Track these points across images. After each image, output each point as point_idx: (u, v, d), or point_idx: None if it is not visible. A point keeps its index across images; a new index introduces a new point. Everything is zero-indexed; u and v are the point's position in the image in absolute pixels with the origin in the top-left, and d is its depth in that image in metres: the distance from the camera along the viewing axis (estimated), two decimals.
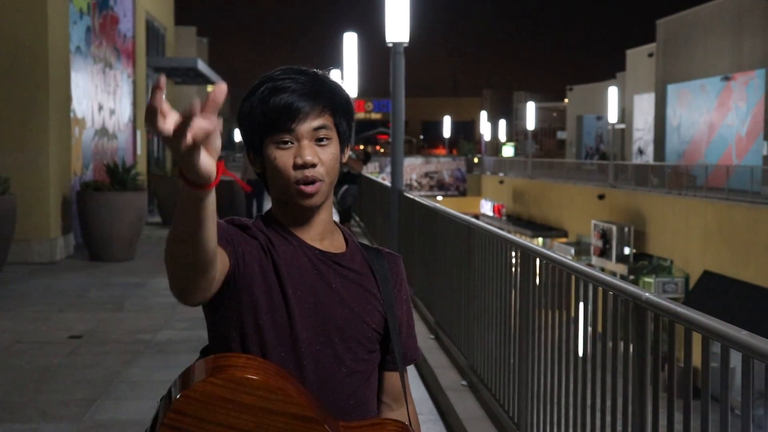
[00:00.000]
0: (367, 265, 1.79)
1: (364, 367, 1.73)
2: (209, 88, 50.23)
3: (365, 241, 1.87)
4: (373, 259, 1.81)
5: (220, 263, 1.59)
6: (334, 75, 1.82)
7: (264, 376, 1.51)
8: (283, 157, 1.68)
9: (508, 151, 71.35)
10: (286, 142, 1.68)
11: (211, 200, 1.45)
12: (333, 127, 1.72)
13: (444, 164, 46.63)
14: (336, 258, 1.74)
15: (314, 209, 1.73)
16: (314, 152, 1.68)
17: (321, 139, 1.69)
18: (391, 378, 1.86)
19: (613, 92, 35.37)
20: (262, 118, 1.69)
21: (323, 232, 1.76)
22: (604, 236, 27.60)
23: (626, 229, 26.93)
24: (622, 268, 26.27)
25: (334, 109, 1.72)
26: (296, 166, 1.67)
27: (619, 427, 3.03)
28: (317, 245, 1.74)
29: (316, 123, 1.68)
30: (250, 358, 1.57)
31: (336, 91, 1.74)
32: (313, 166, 1.68)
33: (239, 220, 1.75)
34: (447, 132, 69.54)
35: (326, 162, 1.69)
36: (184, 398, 1.48)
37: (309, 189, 1.68)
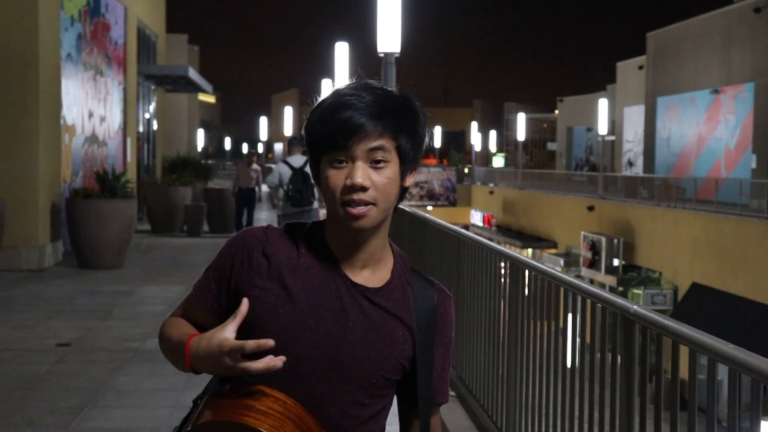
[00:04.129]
0: (405, 305, 1.68)
1: (360, 411, 1.64)
2: (200, 96, 50.20)
3: None
4: (419, 295, 1.70)
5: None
6: (409, 93, 1.69)
7: (281, 428, 1.51)
8: (335, 177, 1.60)
9: (498, 161, 71.51)
10: (341, 161, 1.60)
11: None
12: (393, 149, 1.61)
13: (434, 174, 46.64)
14: (368, 293, 1.65)
15: (363, 233, 1.64)
16: (366, 174, 1.58)
17: (378, 161, 1.60)
18: (414, 415, 1.76)
19: (603, 104, 35.48)
20: (320, 134, 1.62)
21: (367, 260, 1.67)
22: (594, 247, 27.64)
23: (615, 241, 26.98)
24: (611, 280, 26.31)
25: (397, 131, 1.61)
26: (345, 188, 1.58)
27: None
28: (353, 275, 1.66)
29: (373, 144, 1.59)
30: (278, 399, 1.56)
31: (404, 111, 1.64)
32: (363, 189, 1.58)
33: (268, 232, 1.69)
34: (437, 142, 69.63)
35: (379, 186, 1.59)
36: (200, 428, 1.55)
37: (355, 211, 1.59)
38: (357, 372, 1.62)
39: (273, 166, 16.64)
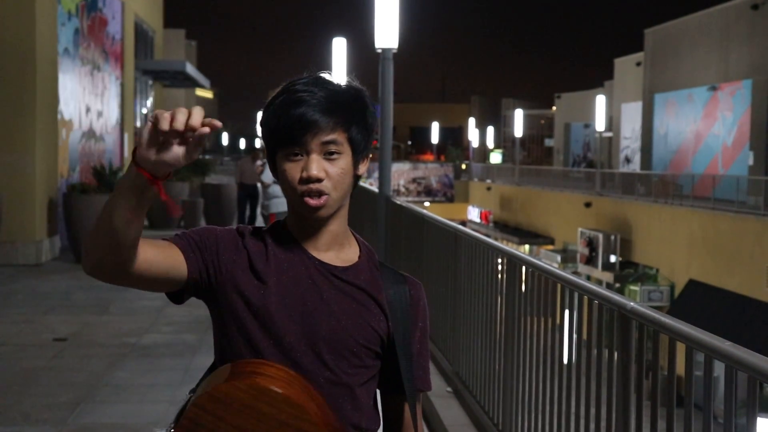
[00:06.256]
0: (375, 284, 1.78)
1: (346, 380, 1.72)
2: (198, 91, 50.14)
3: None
4: (389, 282, 1.80)
5: (164, 261, 1.65)
6: (357, 84, 1.78)
7: (287, 390, 1.57)
8: (292, 170, 1.69)
9: (495, 157, 71.48)
10: (296, 154, 1.69)
11: (151, 195, 1.54)
12: (345, 141, 1.71)
13: (432, 170, 46.66)
14: (335, 270, 1.74)
15: (322, 221, 1.74)
16: (321, 166, 1.68)
17: (331, 153, 1.69)
18: (395, 403, 1.84)
19: (600, 100, 35.47)
20: (275, 130, 1.70)
21: (330, 243, 1.77)
22: (591, 244, 27.66)
23: (612, 237, 27.00)
24: (608, 276, 26.33)
25: (349, 124, 1.71)
26: (302, 180, 1.68)
27: None
28: (319, 255, 1.75)
29: (326, 138, 1.68)
30: (280, 369, 1.62)
31: (354, 104, 1.73)
32: (319, 180, 1.68)
33: (241, 229, 1.78)
34: (435, 138, 69.61)
35: (333, 176, 1.69)
36: (207, 395, 1.58)
37: (313, 202, 1.69)
38: (337, 342, 1.70)
39: None
